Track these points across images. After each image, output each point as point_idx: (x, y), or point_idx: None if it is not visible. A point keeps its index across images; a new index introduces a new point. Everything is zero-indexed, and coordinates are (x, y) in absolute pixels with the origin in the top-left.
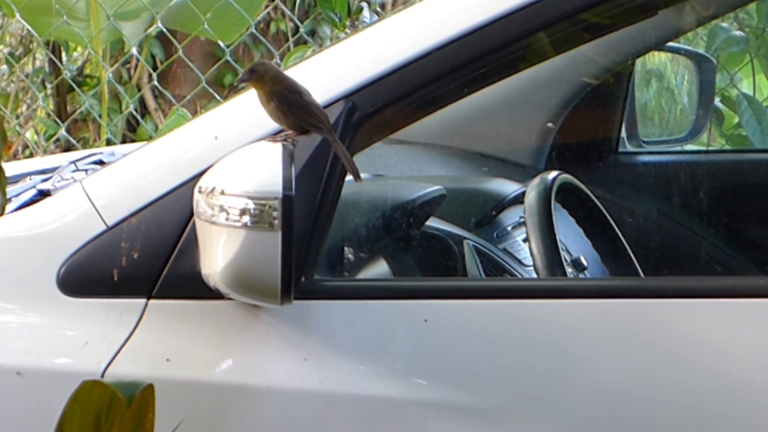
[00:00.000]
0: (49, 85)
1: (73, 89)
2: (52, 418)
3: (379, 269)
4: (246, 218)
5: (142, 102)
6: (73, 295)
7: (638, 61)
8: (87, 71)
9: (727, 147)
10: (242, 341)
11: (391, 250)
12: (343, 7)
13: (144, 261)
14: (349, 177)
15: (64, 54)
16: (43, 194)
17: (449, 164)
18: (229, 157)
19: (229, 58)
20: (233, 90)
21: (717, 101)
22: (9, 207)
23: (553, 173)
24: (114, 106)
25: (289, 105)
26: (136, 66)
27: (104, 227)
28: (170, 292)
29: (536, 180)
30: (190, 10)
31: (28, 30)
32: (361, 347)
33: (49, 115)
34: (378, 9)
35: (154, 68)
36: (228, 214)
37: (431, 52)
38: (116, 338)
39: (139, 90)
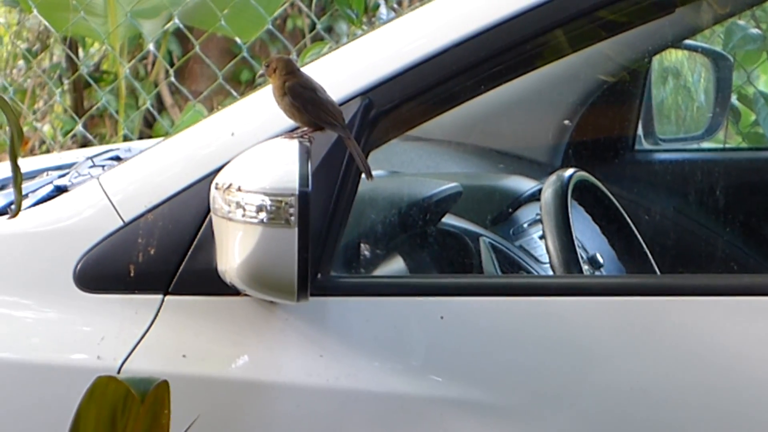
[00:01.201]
0: (66, 81)
1: (90, 85)
2: (68, 413)
3: (395, 266)
4: (262, 215)
5: (158, 98)
6: (90, 290)
7: (655, 59)
8: (104, 67)
9: (744, 145)
10: (258, 338)
11: (407, 247)
12: (359, 4)
13: (160, 257)
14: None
15: (81, 50)
16: (60, 190)
17: (465, 161)
18: (246, 154)
19: (245, 54)
20: (250, 86)
21: (734, 99)
22: (26, 203)
23: (570, 170)
24: (131, 102)
25: (304, 101)
26: (153, 62)
27: (121, 223)
28: (187, 288)
29: (553, 177)
30: (208, 7)
31: (45, 26)
32: (376, 344)
33: (65, 110)
34: (395, 6)
35: (171, 64)
36: (244, 210)
37: (448, 49)
38: (132, 334)
39: (156, 86)
